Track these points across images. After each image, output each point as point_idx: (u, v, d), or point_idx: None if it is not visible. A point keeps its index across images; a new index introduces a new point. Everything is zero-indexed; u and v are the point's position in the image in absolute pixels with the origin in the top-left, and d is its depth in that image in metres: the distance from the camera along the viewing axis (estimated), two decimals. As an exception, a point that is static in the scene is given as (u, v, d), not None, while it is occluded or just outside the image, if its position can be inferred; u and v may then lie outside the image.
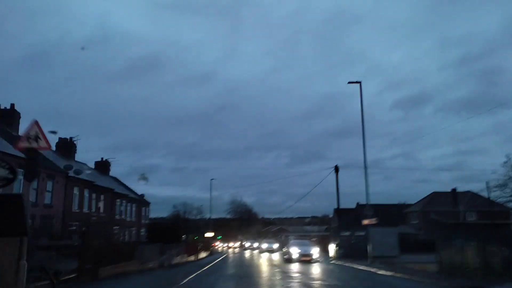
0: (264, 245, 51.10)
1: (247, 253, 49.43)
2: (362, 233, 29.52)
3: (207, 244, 51.16)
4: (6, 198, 3.04)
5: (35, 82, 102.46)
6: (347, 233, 33.10)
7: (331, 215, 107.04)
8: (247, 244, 72.81)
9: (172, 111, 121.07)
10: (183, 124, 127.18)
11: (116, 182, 44.83)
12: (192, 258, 34.69)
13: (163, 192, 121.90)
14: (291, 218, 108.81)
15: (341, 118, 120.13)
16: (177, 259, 29.17)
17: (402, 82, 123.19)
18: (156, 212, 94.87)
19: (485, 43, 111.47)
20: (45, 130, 7.51)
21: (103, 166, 43.85)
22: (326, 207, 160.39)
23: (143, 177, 32.34)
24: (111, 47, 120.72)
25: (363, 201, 28.90)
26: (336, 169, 34.40)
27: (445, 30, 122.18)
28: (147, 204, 49.88)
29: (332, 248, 34.76)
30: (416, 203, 51.96)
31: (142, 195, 47.46)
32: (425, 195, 51.97)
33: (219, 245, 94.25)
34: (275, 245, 49.82)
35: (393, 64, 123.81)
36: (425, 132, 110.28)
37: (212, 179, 59.75)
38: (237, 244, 77.51)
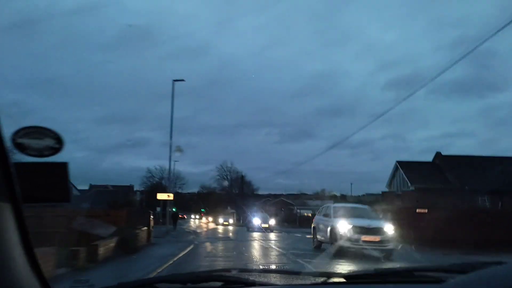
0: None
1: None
2: None
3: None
4: (53, 166, 2.82)
5: (22, 48, 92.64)
6: None
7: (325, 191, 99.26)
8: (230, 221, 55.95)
9: (163, 85, 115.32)
10: (174, 98, 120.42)
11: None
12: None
13: (151, 166, 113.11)
14: (281, 194, 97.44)
15: (334, 96, 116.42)
16: None
17: (395, 62, 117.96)
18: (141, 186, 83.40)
19: (481, 26, 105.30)
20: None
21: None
22: (313, 185, 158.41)
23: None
24: (102, 15, 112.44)
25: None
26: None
27: (442, 11, 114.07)
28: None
29: None
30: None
31: None
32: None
33: (195, 219, 77.30)
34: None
35: (387, 44, 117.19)
36: (416, 114, 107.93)
37: (176, 80, 29.65)
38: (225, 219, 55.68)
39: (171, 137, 29.13)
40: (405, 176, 32.28)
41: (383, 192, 36.60)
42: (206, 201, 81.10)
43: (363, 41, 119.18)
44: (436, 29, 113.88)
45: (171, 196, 29.71)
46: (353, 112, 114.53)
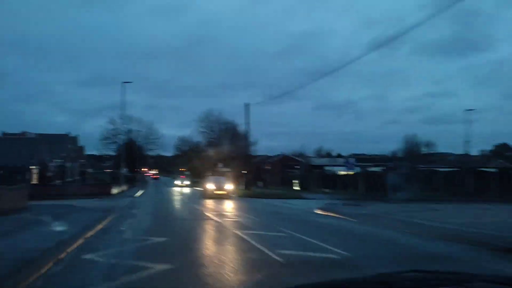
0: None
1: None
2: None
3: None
4: None
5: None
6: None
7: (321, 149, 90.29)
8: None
9: (142, 44, 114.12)
10: (154, 59, 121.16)
11: None
12: None
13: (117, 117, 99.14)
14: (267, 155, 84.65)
15: (317, 56, 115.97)
16: None
17: (378, 21, 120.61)
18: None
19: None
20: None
21: None
22: (293, 146, 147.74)
23: None
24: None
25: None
26: None
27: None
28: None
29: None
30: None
31: None
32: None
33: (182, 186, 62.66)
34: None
35: (370, 1, 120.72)
36: (398, 74, 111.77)
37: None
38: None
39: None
40: None
41: None
42: (189, 159, 66.60)
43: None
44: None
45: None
46: (337, 72, 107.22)
